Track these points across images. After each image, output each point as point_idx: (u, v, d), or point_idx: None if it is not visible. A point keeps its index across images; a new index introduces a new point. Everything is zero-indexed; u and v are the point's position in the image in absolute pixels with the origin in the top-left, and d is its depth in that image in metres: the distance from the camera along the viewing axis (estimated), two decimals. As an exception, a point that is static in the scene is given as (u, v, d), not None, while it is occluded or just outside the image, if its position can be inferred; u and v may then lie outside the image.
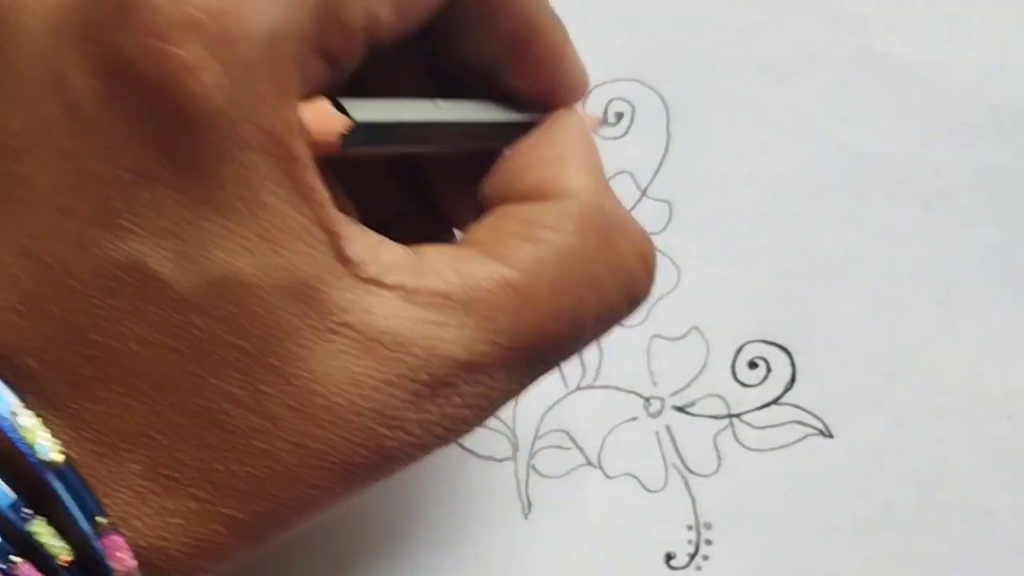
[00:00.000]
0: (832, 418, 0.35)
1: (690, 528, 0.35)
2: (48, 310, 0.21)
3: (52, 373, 0.21)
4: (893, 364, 0.35)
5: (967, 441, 0.35)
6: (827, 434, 0.35)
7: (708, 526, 0.35)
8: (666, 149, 0.36)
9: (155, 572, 0.21)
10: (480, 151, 0.27)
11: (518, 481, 0.35)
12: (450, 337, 0.22)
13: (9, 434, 0.20)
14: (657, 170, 0.36)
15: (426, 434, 0.22)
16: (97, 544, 0.21)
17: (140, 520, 0.21)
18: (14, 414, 0.20)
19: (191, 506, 0.21)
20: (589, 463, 0.35)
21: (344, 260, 0.21)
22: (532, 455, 0.35)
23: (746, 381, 0.35)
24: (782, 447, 0.35)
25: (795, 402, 0.35)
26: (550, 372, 0.24)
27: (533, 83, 0.26)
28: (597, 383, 0.35)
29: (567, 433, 0.35)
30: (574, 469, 0.35)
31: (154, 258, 0.20)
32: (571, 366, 0.35)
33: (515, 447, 0.35)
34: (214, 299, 0.21)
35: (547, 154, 0.25)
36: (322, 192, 0.21)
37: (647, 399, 0.35)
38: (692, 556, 0.34)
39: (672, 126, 0.36)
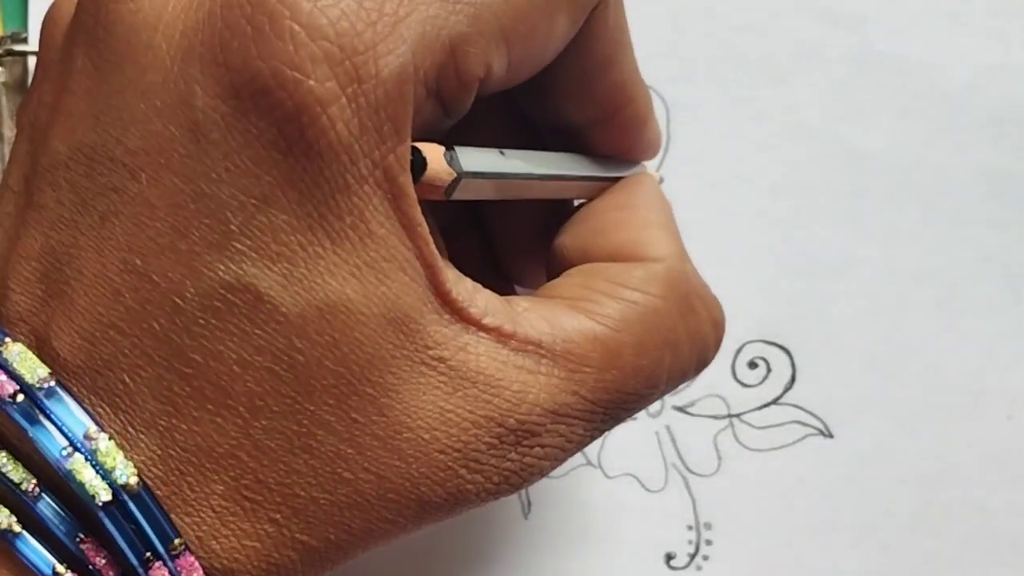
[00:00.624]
0: (832, 418, 0.35)
1: (690, 528, 0.35)
2: (150, 327, 0.21)
3: (146, 390, 0.21)
4: (893, 364, 0.35)
5: (967, 441, 0.35)
6: (827, 434, 0.35)
7: (708, 526, 0.35)
8: (666, 149, 0.36)
9: None
10: (548, 204, 0.28)
11: (518, 481, 0.35)
12: (539, 385, 0.23)
13: (87, 458, 0.21)
14: (657, 170, 0.36)
15: (503, 482, 0.23)
16: (172, 566, 0.21)
17: (217, 542, 0.21)
18: (91, 438, 0.21)
19: (268, 530, 0.22)
20: (589, 463, 0.35)
21: (444, 296, 0.22)
22: (532, 455, 0.35)
23: (746, 381, 0.35)
24: (782, 447, 0.35)
25: (795, 402, 0.35)
26: (619, 424, 0.25)
27: (615, 144, 0.27)
28: (597, 383, 0.35)
29: (567, 433, 0.35)
30: (574, 469, 0.35)
31: (266, 281, 0.21)
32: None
33: (515, 447, 0.35)
34: (320, 324, 0.21)
35: (632, 217, 0.26)
36: (425, 228, 0.22)
37: (647, 399, 0.35)
38: (692, 556, 0.34)
39: (672, 126, 0.36)
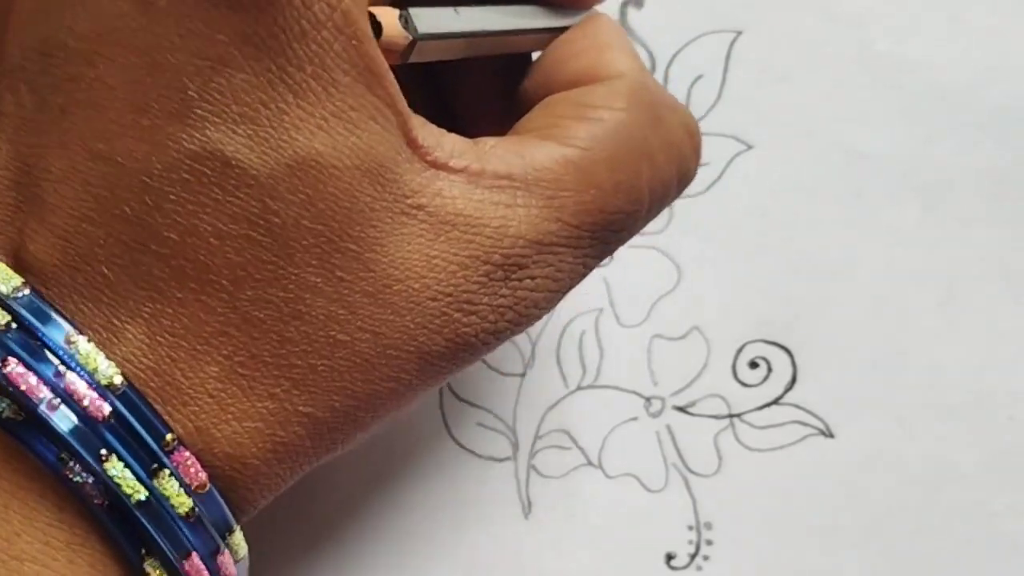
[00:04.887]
0: (833, 418, 0.35)
1: (691, 528, 0.34)
2: (122, 212, 0.20)
3: (126, 279, 0.21)
4: (894, 364, 0.35)
5: (967, 441, 0.35)
6: (828, 434, 0.35)
7: (709, 526, 0.34)
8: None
9: (230, 483, 0.21)
10: (507, 60, 0.27)
11: (518, 481, 0.35)
12: (518, 217, 0.23)
13: (68, 363, 0.20)
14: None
15: (500, 319, 0.23)
16: (168, 462, 0.20)
17: (218, 429, 0.21)
18: (71, 342, 0.20)
19: (269, 406, 0.21)
20: (589, 463, 0.35)
21: (413, 143, 0.22)
22: (532, 455, 0.35)
23: (747, 381, 0.35)
24: (783, 447, 0.35)
25: (796, 402, 0.35)
26: (612, 251, 0.25)
27: None
28: (597, 383, 0.35)
29: (567, 433, 0.35)
30: (574, 469, 0.35)
31: (231, 145, 0.20)
32: (571, 366, 0.35)
33: (515, 447, 0.35)
34: (292, 183, 0.21)
35: (587, 44, 0.26)
36: (391, 74, 0.21)
37: (647, 399, 0.35)
38: (693, 556, 0.34)
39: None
